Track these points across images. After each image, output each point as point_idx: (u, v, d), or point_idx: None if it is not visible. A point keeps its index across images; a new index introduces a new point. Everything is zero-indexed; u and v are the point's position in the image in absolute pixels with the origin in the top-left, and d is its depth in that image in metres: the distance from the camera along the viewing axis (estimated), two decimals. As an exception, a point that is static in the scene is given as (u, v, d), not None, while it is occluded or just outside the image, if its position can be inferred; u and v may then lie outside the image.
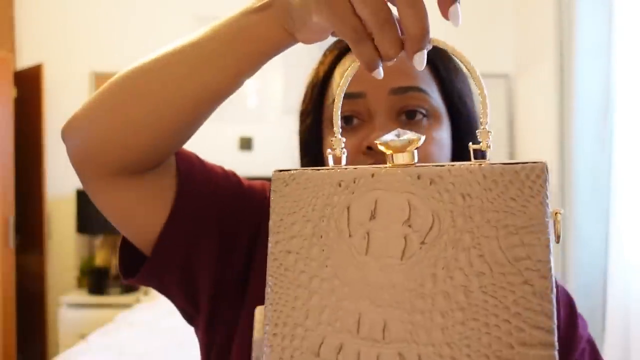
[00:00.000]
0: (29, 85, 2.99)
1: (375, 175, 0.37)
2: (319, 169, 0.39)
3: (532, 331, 0.32)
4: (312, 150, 0.68)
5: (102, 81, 3.19)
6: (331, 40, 0.56)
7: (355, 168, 0.38)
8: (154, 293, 2.80)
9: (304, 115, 0.69)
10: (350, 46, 0.40)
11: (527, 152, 2.96)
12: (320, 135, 0.66)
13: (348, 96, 0.61)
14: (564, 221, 2.51)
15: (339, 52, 0.66)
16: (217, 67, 0.49)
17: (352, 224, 0.37)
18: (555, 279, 0.69)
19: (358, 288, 0.36)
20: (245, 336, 0.61)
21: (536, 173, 0.34)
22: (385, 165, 0.38)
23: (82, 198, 2.89)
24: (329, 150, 0.41)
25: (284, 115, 2.99)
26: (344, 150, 0.41)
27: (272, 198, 0.40)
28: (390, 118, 0.60)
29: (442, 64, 0.64)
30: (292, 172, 0.40)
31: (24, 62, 3.11)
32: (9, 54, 2.95)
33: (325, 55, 0.68)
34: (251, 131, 3.12)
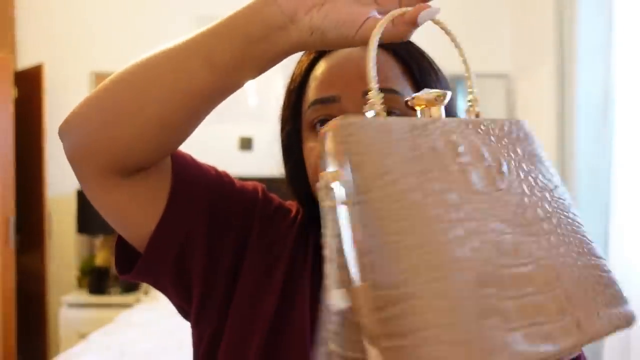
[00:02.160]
0: (29, 85, 3.00)
1: (440, 123, 0.40)
2: (379, 120, 0.38)
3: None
4: (294, 155, 0.68)
5: (102, 81, 3.19)
6: None
7: (410, 118, 0.40)
8: (154, 293, 2.80)
9: (283, 121, 0.70)
10: None
11: (527, 152, 2.96)
12: (300, 141, 0.66)
13: (322, 101, 0.61)
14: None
15: (314, 57, 0.66)
16: (196, 61, 0.49)
17: (448, 160, 0.38)
18: None
19: (478, 215, 0.38)
20: (232, 334, 0.62)
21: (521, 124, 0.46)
22: (431, 119, 0.41)
23: (82, 198, 2.89)
24: (369, 109, 0.39)
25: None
26: (383, 106, 0.40)
27: (349, 150, 0.35)
28: None
29: (415, 63, 0.64)
30: (357, 121, 0.37)
31: (24, 62, 3.11)
32: (9, 54, 2.96)
33: (301, 60, 0.68)
34: (251, 131, 3.12)
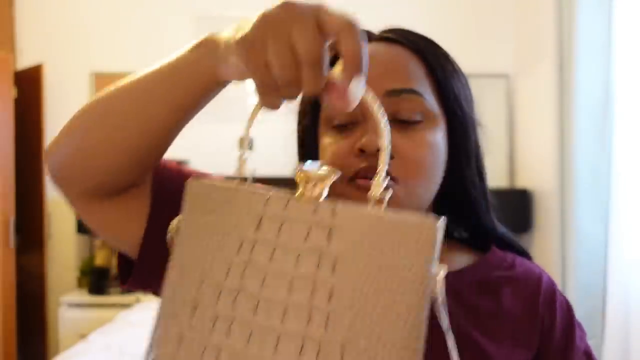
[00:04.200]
0: (29, 85, 2.99)
1: (284, 204, 0.40)
2: (233, 188, 0.42)
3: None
4: (309, 149, 0.68)
5: (102, 81, 3.18)
6: None
7: (265, 192, 0.41)
8: (154, 293, 2.80)
9: (301, 115, 0.69)
10: (256, 91, 0.43)
11: (527, 152, 2.95)
12: (317, 135, 0.66)
13: None
14: (564, 221, 2.50)
15: (336, 53, 0.65)
16: (156, 101, 0.53)
17: (258, 246, 0.40)
18: (555, 286, 0.69)
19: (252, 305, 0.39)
20: None
21: (425, 233, 0.36)
22: (293, 196, 0.40)
23: (82, 198, 2.89)
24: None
25: (284, 115, 2.98)
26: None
27: (186, 207, 0.43)
28: None
29: (438, 64, 0.63)
30: (211, 184, 0.43)
31: (24, 62, 3.10)
32: (9, 54, 2.95)
33: None
34: (251, 131, 3.11)
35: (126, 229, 0.59)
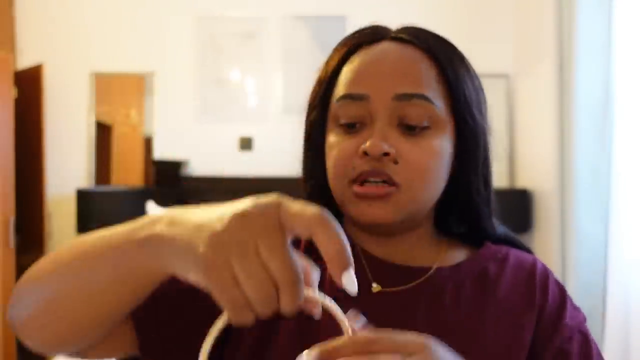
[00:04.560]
0: (29, 85, 2.99)
1: None
2: None
3: None
4: (315, 143, 0.67)
5: (102, 81, 3.19)
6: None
7: None
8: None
9: (310, 108, 0.68)
10: (224, 308, 0.39)
11: (527, 152, 2.96)
12: (324, 130, 0.65)
13: (352, 97, 0.61)
14: (564, 221, 2.50)
15: (348, 49, 0.65)
16: (106, 295, 0.49)
17: None
18: (549, 272, 0.69)
19: None
20: None
21: None
22: None
23: (82, 198, 2.89)
24: None
25: (284, 115, 2.99)
26: None
27: None
28: (390, 124, 0.59)
29: (450, 66, 0.62)
30: None
31: (24, 62, 3.10)
32: (9, 54, 2.95)
33: (335, 51, 0.67)
34: (251, 131, 3.12)
35: (119, 352, 0.59)
